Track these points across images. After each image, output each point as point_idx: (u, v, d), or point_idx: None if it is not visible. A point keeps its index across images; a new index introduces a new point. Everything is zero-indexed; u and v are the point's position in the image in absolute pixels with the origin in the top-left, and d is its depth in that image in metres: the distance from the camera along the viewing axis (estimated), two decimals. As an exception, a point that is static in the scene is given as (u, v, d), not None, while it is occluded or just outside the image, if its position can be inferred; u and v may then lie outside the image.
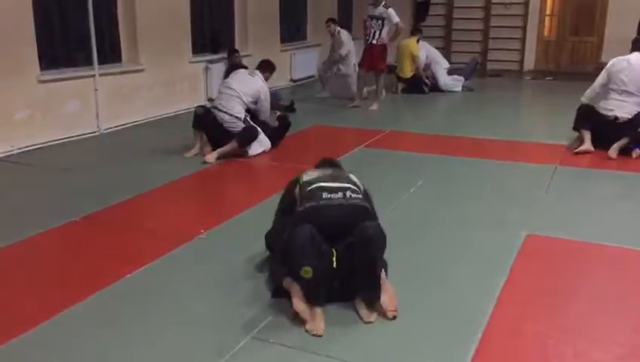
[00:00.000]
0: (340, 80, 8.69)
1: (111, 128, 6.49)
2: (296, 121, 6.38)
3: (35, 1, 5.61)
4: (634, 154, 5.31)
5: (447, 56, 10.28)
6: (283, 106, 7.35)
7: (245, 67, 6.45)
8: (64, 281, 3.07)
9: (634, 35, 6.49)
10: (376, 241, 2.64)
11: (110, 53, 6.74)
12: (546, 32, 11.33)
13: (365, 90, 8.41)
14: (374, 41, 7.81)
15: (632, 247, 3.44)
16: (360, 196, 2.80)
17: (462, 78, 9.48)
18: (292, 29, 10.43)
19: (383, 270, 2.76)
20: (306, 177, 2.92)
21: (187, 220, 3.96)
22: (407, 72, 9.26)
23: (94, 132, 6.33)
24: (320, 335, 2.49)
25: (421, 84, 9.25)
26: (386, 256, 2.77)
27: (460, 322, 2.62)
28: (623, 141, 5.31)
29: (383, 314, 2.64)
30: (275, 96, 6.59)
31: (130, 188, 4.47)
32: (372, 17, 7.82)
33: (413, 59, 9.18)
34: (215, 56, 8.14)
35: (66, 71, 6.14)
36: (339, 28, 8.67)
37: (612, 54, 6.15)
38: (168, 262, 3.24)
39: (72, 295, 2.83)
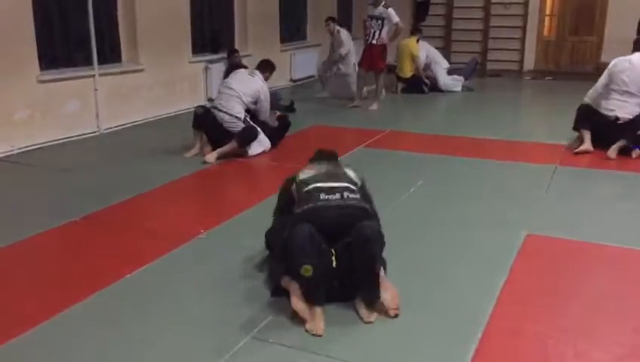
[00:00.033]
0: (339, 79, 8.68)
1: (111, 128, 6.49)
2: (296, 121, 6.38)
3: (35, 1, 5.61)
4: (634, 154, 5.30)
5: (446, 56, 10.28)
6: (283, 106, 7.35)
7: (245, 67, 6.45)
8: (64, 281, 3.07)
9: (634, 34, 6.49)
10: (374, 241, 2.64)
11: (110, 53, 6.73)
12: (545, 32, 11.33)
13: (365, 89, 8.41)
14: (374, 41, 7.81)
15: (632, 247, 3.45)
16: (358, 196, 2.80)
17: (462, 78, 9.48)
18: (292, 29, 10.43)
19: (382, 268, 2.75)
20: (302, 175, 2.90)
21: (187, 220, 3.96)
22: (407, 72, 9.26)
23: (94, 132, 6.33)
24: (320, 335, 2.49)
25: (421, 84, 9.25)
26: (386, 256, 2.77)
27: (460, 322, 2.62)
28: (622, 142, 5.31)
29: (385, 312, 2.64)
30: (274, 96, 6.59)
31: (130, 188, 4.47)
32: (372, 17, 7.82)
33: (413, 59, 9.18)
34: (215, 56, 8.14)
35: (66, 71, 6.14)
36: (338, 27, 8.66)
37: (612, 54, 6.15)
38: (168, 262, 3.24)
39: (71, 295, 2.83)
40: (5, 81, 5.37)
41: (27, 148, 5.58)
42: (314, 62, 10.19)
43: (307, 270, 2.50)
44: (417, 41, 9.38)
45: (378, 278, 2.69)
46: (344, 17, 11.30)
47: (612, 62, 5.73)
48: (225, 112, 5.42)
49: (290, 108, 7.55)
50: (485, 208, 4.13)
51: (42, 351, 2.43)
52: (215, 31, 8.51)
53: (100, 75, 6.32)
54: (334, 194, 2.75)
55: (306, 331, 2.52)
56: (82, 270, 3.18)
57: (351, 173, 2.96)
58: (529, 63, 11.28)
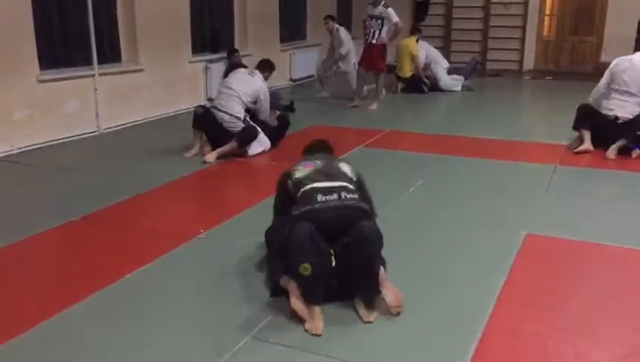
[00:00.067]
0: (339, 78, 8.67)
1: (111, 128, 6.48)
2: (295, 120, 6.37)
3: (34, 0, 5.60)
4: (634, 154, 5.30)
5: (446, 56, 10.28)
6: (283, 106, 7.35)
7: (245, 67, 6.45)
8: (64, 281, 3.07)
9: (634, 34, 6.51)
10: (372, 241, 2.64)
11: (110, 53, 6.73)
12: (545, 32, 11.33)
13: (365, 88, 8.41)
14: (374, 41, 7.81)
15: (632, 247, 3.44)
16: (355, 196, 2.79)
17: (461, 78, 9.48)
18: (292, 29, 10.43)
19: (382, 267, 2.75)
20: (298, 174, 2.90)
21: (187, 220, 3.96)
22: (407, 72, 9.26)
23: (94, 132, 6.32)
24: (319, 335, 2.49)
25: (421, 84, 9.25)
26: (386, 256, 2.77)
27: (460, 322, 2.62)
28: (622, 142, 5.31)
29: (387, 310, 2.64)
30: (274, 95, 6.59)
31: (130, 188, 4.47)
32: (372, 17, 7.82)
33: (413, 58, 9.18)
34: (215, 56, 8.14)
35: (66, 70, 6.14)
36: (337, 25, 8.66)
37: (612, 54, 6.16)
38: (168, 262, 3.24)
39: (71, 295, 2.83)
40: (5, 81, 5.37)
41: (27, 148, 5.58)
42: (314, 61, 10.20)
43: (306, 268, 2.50)
44: (417, 40, 9.37)
45: (377, 278, 2.69)
46: (344, 17, 11.31)
47: (613, 62, 5.73)
48: (225, 112, 5.42)
49: (290, 107, 7.55)
50: (485, 208, 4.13)
51: (42, 351, 2.42)
52: (215, 31, 8.51)
53: (100, 74, 6.31)
54: (332, 194, 2.74)
55: (306, 331, 2.52)
56: (82, 270, 3.18)
57: (346, 168, 2.95)
58: (529, 63, 11.28)
